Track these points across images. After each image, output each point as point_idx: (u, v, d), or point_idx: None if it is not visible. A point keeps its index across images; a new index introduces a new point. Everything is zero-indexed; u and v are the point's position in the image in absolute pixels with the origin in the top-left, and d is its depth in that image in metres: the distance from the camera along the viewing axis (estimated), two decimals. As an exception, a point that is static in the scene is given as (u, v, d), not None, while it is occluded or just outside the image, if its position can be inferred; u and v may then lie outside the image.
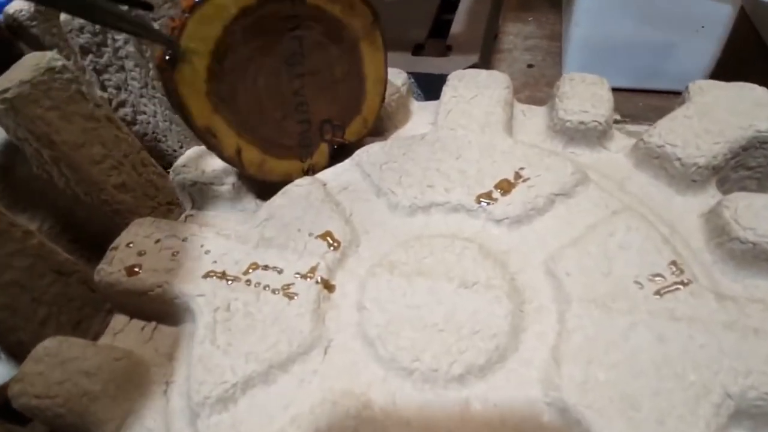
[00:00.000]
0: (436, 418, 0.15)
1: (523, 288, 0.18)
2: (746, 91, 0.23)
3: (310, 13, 0.18)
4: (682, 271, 0.17)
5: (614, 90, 0.34)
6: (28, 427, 0.21)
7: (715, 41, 0.30)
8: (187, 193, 0.24)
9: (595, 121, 0.23)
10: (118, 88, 0.27)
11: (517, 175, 0.21)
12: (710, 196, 0.21)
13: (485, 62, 0.33)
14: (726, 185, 0.23)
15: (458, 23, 0.34)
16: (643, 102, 0.32)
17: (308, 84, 0.20)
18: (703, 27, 0.29)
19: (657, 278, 0.17)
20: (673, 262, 0.17)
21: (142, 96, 0.27)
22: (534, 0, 0.41)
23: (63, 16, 0.25)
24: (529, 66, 0.37)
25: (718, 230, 0.18)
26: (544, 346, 0.16)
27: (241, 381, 0.16)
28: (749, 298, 0.17)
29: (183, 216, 0.24)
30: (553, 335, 0.16)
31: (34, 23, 0.26)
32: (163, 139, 0.29)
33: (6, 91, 0.19)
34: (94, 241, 0.26)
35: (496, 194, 0.20)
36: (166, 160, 0.29)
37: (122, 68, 0.26)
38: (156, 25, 0.26)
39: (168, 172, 0.27)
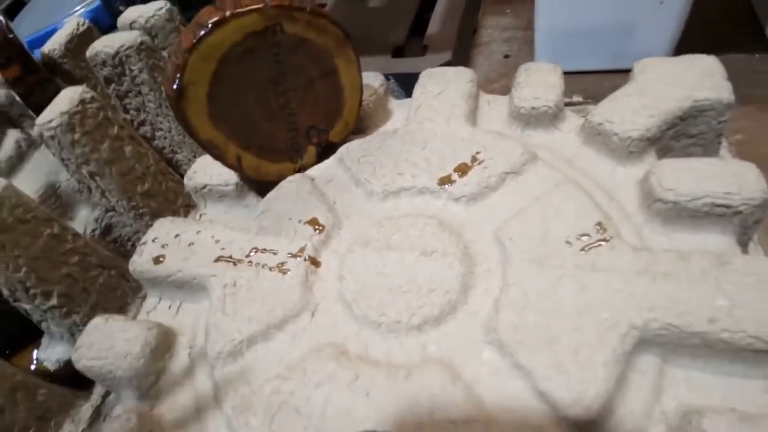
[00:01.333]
0: (399, 359, 0.19)
1: (475, 254, 0.21)
2: (694, 62, 0.25)
3: (289, 40, 0.22)
4: (605, 230, 0.20)
5: (584, 73, 0.37)
6: (89, 391, 0.26)
7: (677, 15, 0.31)
8: (200, 195, 0.28)
9: (546, 105, 0.26)
10: (138, 110, 0.32)
11: (474, 159, 0.24)
12: (648, 165, 0.23)
13: (460, 58, 0.36)
14: (670, 153, 0.25)
15: (434, 23, 0.37)
16: (609, 82, 0.34)
17: (293, 98, 0.24)
18: (662, 2, 0.31)
19: (584, 237, 0.20)
20: (599, 223, 0.20)
21: (158, 115, 0.32)
22: (512, -7, 0.43)
23: (88, 52, 0.29)
24: (506, 56, 0.39)
25: (646, 194, 0.21)
26: (488, 300, 0.19)
27: (246, 339, 0.20)
28: (666, 249, 0.19)
29: (198, 215, 0.28)
30: (497, 290, 0.19)
31: (65, 60, 0.31)
32: (179, 150, 0.34)
33: (50, 122, 0.24)
34: (126, 240, 0.30)
35: (455, 177, 0.24)
36: (182, 169, 0.34)
37: (140, 93, 0.30)
38: (164, 54, 0.30)
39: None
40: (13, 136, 0.31)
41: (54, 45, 0.31)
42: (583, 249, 0.19)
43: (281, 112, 0.25)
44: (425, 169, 0.24)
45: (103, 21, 0.64)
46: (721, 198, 0.19)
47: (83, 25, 0.34)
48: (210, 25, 0.20)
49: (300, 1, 0.22)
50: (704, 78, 0.24)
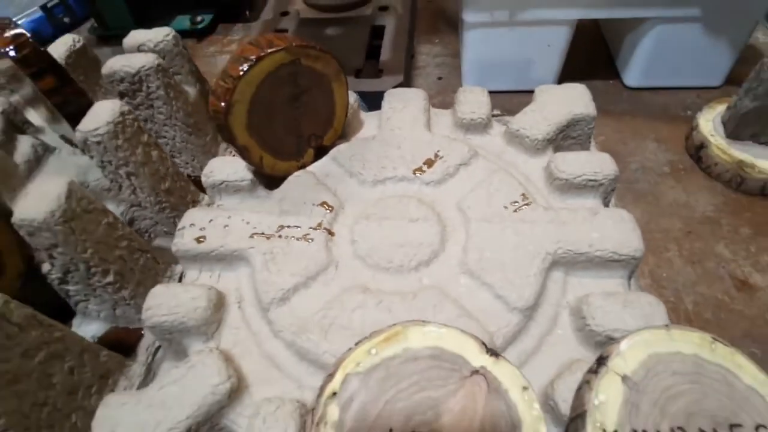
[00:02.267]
0: (406, 289, 0.27)
1: (445, 219, 0.31)
2: (572, 88, 0.37)
3: (305, 69, 0.30)
4: (526, 198, 0.30)
5: (499, 92, 0.49)
6: (131, 357, 0.31)
7: (559, 54, 0.44)
8: (216, 190, 0.35)
9: (480, 117, 0.36)
10: (146, 120, 0.37)
11: (436, 155, 0.34)
12: (548, 157, 0.35)
13: (406, 80, 0.46)
14: (560, 149, 0.37)
15: (386, 51, 0.47)
16: (516, 99, 0.46)
17: (302, 112, 0.32)
18: (549, 46, 0.44)
19: (514, 203, 0.30)
20: (522, 194, 0.31)
21: (164, 125, 0.37)
22: (439, 27, 0.54)
23: (105, 70, 0.34)
24: (439, 78, 0.50)
25: (549, 175, 0.32)
26: (458, 247, 0.29)
27: (291, 287, 0.27)
28: (565, 208, 0.30)
29: (215, 205, 0.34)
30: (463, 240, 0.29)
31: (81, 78, 0.35)
32: (178, 155, 0.39)
33: (97, 129, 0.29)
34: (145, 231, 0.35)
35: (425, 168, 0.33)
36: (183, 171, 0.39)
37: (151, 106, 0.36)
38: (171, 72, 0.36)
39: (189, 178, 0.37)
40: (26, 141, 0.34)
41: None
42: (514, 210, 0.30)
43: (293, 123, 0.32)
44: (402, 164, 0.33)
45: (45, 31, 0.64)
46: (592, 175, 0.31)
47: (78, 42, 0.38)
48: (254, 59, 0.27)
49: (312, 42, 0.30)
50: (579, 99, 0.36)
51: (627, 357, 0.21)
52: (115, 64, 0.34)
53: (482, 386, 0.21)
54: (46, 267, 0.28)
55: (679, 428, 0.19)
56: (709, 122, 0.39)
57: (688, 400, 0.20)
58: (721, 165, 0.37)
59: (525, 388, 0.20)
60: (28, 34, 0.31)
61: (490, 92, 0.48)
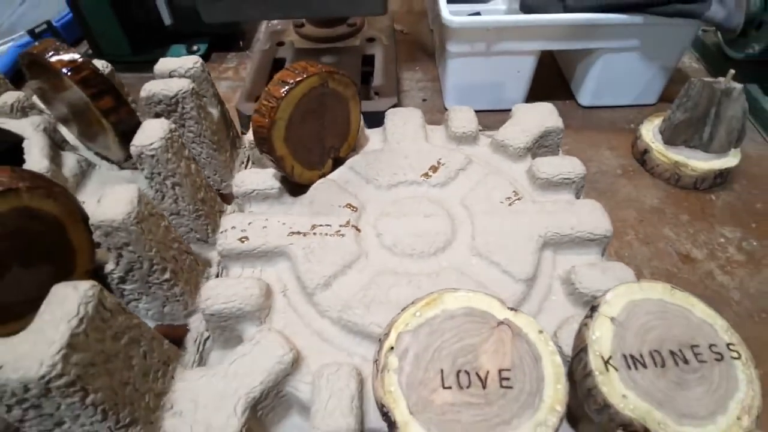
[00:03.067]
0: (429, 270, 0.33)
1: (453, 214, 0.36)
2: (542, 106, 0.45)
3: (330, 90, 0.35)
4: (517, 194, 0.37)
5: (478, 111, 0.56)
6: (182, 348, 0.34)
7: (527, 79, 0.53)
8: (247, 198, 0.39)
9: (470, 131, 0.43)
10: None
11: (439, 162, 0.40)
12: (528, 162, 0.42)
13: (399, 101, 0.53)
14: (536, 156, 0.45)
15: (378, 78, 0.53)
16: (493, 117, 0.53)
17: (326, 128, 0.37)
18: (518, 72, 0.52)
19: (508, 198, 0.37)
20: (514, 191, 0.37)
21: (193, 142, 0.41)
22: (417, 55, 0.62)
23: (144, 93, 0.38)
24: (423, 100, 0.57)
25: (532, 176, 0.39)
26: (467, 235, 0.35)
27: (331, 274, 0.32)
28: (548, 201, 0.37)
29: (246, 212, 0.39)
30: (470, 230, 0.35)
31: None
32: (203, 170, 0.43)
33: (152, 144, 0.33)
34: (183, 236, 0.39)
35: (430, 173, 0.39)
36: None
37: (182, 125, 0.40)
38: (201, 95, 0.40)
39: (216, 190, 0.41)
40: (71, 157, 0.36)
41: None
42: (509, 204, 0.36)
43: (318, 137, 0.37)
44: (410, 170, 0.39)
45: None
46: (567, 174, 0.38)
47: (107, 67, 0.42)
48: (293, 82, 0.33)
49: (336, 68, 0.35)
50: (549, 114, 0.44)
51: (612, 304, 0.27)
52: (154, 87, 0.38)
53: (508, 332, 0.26)
54: (109, 266, 0.31)
55: (655, 350, 0.25)
56: (650, 132, 0.48)
57: (660, 331, 0.26)
58: (661, 166, 0.46)
59: (540, 332, 0.26)
60: (82, 56, 0.34)
61: (470, 111, 0.55)
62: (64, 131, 0.40)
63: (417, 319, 0.27)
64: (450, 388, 0.24)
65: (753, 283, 0.38)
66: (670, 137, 0.47)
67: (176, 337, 0.35)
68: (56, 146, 0.37)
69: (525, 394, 0.24)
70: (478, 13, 0.59)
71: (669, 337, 0.26)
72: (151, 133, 0.33)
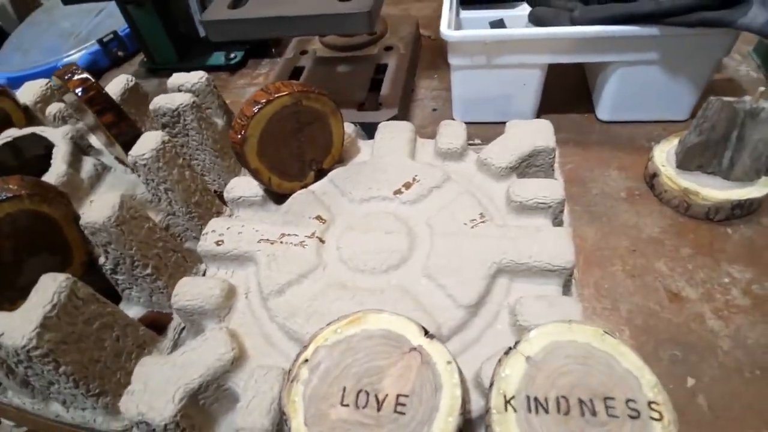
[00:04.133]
0: (375, 287, 0.34)
1: (416, 232, 0.37)
2: (536, 123, 0.44)
3: (305, 108, 0.37)
4: (483, 216, 0.37)
5: (482, 123, 0.55)
6: (163, 334, 0.38)
7: (534, 91, 0.50)
8: (235, 204, 0.42)
9: (456, 147, 0.43)
10: (182, 146, 0.45)
11: (414, 179, 0.40)
12: (511, 181, 0.41)
13: (403, 111, 0.53)
14: (527, 176, 0.43)
15: (386, 87, 0.54)
16: (500, 130, 0.52)
17: (304, 142, 0.40)
18: (525, 84, 0.50)
19: (473, 221, 0.36)
20: (480, 213, 0.37)
21: (196, 150, 0.45)
22: (438, 63, 0.61)
23: (152, 106, 0.43)
24: (434, 110, 0.57)
25: (507, 198, 0.39)
26: (424, 255, 0.35)
27: (285, 282, 0.34)
28: (518, 226, 0.36)
29: (234, 216, 0.42)
30: (428, 250, 0.36)
31: (133, 110, 0.44)
32: (207, 174, 0.47)
33: (144, 154, 0.37)
34: (178, 236, 0.44)
35: (403, 189, 0.40)
36: (211, 188, 0.47)
37: (186, 135, 0.44)
38: (204, 108, 0.44)
39: (215, 193, 0.45)
40: (89, 161, 0.43)
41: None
42: (472, 226, 0.36)
43: (296, 150, 0.40)
44: (385, 185, 0.40)
45: (102, 63, 0.75)
46: (542, 199, 0.37)
47: (131, 81, 0.48)
48: (264, 102, 0.35)
49: (311, 87, 0.37)
50: (541, 133, 0.42)
51: (533, 342, 0.27)
52: (160, 101, 0.42)
53: (417, 359, 0.27)
54: (102, 260, 0.36)
55: (563, 396, 0.25)
56: (663, 153, 0.44)
57: (575, 377, 0.25)
58: (669, 192, 0.42)
59: (449, 362, 0.27)
60: (93, 79, 0.40)
61: (476, 123, 0.54)
62: (93, 138, 0.46)
63: (337, 336, 0.28)
64: (348, 405, 0.26)
65: (753, 334, 0.34)
66: (683, 161, 0.43)
67: (162, 323, 0.40)
68: (81, 152, 0.44)
69: (415, 422, 0.25)
70: (501, 20, 0.58)
71: (582, 385, 0.25)
72: (145, 144, 0.38)
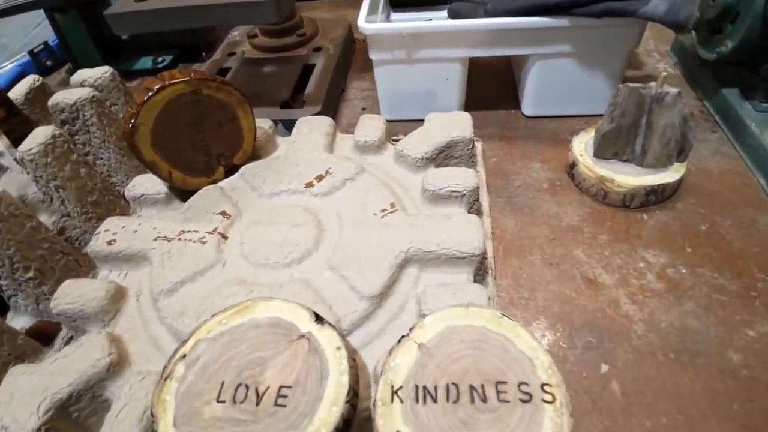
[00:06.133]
0: (276, 281, 0.32)
1: (324, 224, 0.35)
2: (456, 115, 0.43)
3: (205, 98, 0.36)
4: (394, 206, 0.35)
5: (409, 121, 0.54)
6: (50, 345, 0.35)
7: (458, 86, 0.50)
8: (137, 202, 0.40)
9: (373, 140, 0.42)
10: (84, 144, 0.42)
11: (327, 172, 0.39)
12: (427, 173, 0.40)
13: (329, 110, 0.52)
14: (447, 167, 0.42)
15: (311, 86, 0.53)
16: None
17: (207, 134, 0.37)
18: (447, 79, 0.49)
19: (383, 210, 0.35)
20: (392, 203, 0.35)
21: (100, 148, 0.42)
22: (370, 65, 0.61)
23: (50, 102, 0.40)
24: (363, 109, 0.56)
25: (422, 188, 0.37)
26: (330, 247, 0.34)
27: (179, 281, 0.32)
28: (430, 215, 0.35)
29: (136, 215, 0.39)
30: (335, 242, 0.34)
31: (24, 106, 0.41)
32: (114, 174, 0.44)
33: (31, 149, 0.34)
34: (75, 239, 0.40)
35: (315, 182, 0.38)
36: (117, 188, 0.44)
37: (88, 132, 0.41)
38: (107, 104, 0.42)
39: (122, 195, 0.42)
40: None
41: (15, 95, 0.41)
42: (382, 216, 0.35)
43: (199, 143, 0.37)
44: (296, 179, 0.38)
45: (31, 72, 0.71)
46: (455, 187, 0.36)
47: (38, 81, 0.45)
48: (155, 89, 0.33)
49: (213, 75, 0.36)
50: (459, 124, 0.42)
51: (427, 329, 0.25)
52: (58, 96, 0.40)
53: (304, 347, 0.25)
54: (-24, 263, 0.33)
55: (453, 384, 0.23)
56: (582, 143, 0.44)
57: (467, 362, 0.24)
58: (587, 181, 0.42)
59: (338, 348, 0.25)
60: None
61: (403, 121, 0.54)
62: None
63: (221, 327, 0.26)
64: (224, 402, 0.23)
65: (667, 317, 0.34)
66: (598, 149, 0.43)
67: (50, 332, 0.36)
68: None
69: (296, 415, 0.23)
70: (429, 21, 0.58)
71: (474, 370, 0.23)
72: (34, 139, 0.35)
